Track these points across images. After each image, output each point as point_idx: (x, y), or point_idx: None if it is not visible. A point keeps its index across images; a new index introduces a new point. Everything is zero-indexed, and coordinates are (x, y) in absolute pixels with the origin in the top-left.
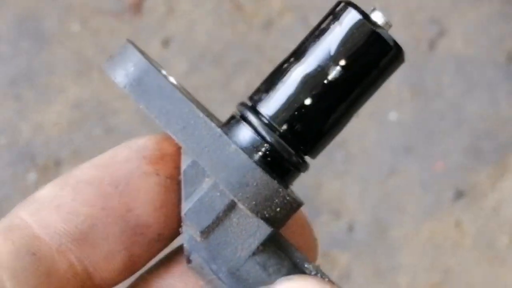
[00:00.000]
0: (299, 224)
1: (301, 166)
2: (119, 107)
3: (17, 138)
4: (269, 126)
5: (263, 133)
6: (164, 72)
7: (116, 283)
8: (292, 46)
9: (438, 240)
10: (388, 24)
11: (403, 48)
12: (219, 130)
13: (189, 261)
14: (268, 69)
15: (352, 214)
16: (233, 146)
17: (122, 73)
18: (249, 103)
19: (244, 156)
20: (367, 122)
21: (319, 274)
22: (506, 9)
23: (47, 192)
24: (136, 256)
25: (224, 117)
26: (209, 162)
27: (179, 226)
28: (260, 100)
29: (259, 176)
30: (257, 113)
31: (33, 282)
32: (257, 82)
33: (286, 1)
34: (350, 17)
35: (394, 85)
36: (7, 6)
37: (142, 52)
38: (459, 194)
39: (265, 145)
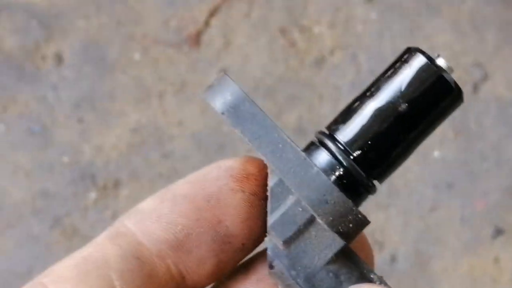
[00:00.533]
0: (361, 240)
1: (371, 189)
2: (175, 133)
3: (79, 159)
4: (345, 151)
5: (340, 157)
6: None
7: (204, 287)
8: (341, 82)
9: (477, 275)
10: (450, 69)
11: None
12: (303, 154)
13: (271, 266)
14: (318, 104)
15: (394, 246)
16: (316, 168)
17: (221, 101)
18: (327, 132)
19: (324, 177)
20: (412, 158)
21: (383, 283)
22: None
23: (148, 204)
24: (223, 262)
25: None
26: (294, 181)
27: (261, 237)
28: (337, 129)
29: (337, 195)
30: (334, 140)
31: (137, 282)
32: (307, 116)
33: (337, 40)
34: (418, 61)
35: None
36: (74, 33)
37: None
38: (499, 232)
39: (341, 168)
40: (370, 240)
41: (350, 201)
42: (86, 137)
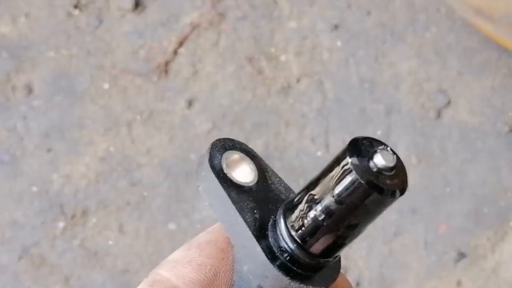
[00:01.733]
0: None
1: (323, 264)
2: (143, 162)
3: (48, 188)
4: (292, 237)
5: (288, 241)
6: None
7: None
8: (307, 110)
9: None
10: (387, 167)
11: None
12: (250, 233)
13: None
14: (284, 131)
15: (359, 271)
16: (258, 248)
17: (199, 179)
18: (283, 211)
19: (263, 257)
20: None
21: None
22: (508, 82)
23: (177, 254)
24: None
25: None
26: (243, 255)
27: None
28: (289, 215)
29: (274, 273)
30: (286, 223)
31: None
32: (274, 142)
33: (303, 68)
34: (347, 163)
35: (402, 150)
36: (44, 64)
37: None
38: (461, 255)
39: (288, 250)
40: None
41: (287, 278)
42: (55, 166)
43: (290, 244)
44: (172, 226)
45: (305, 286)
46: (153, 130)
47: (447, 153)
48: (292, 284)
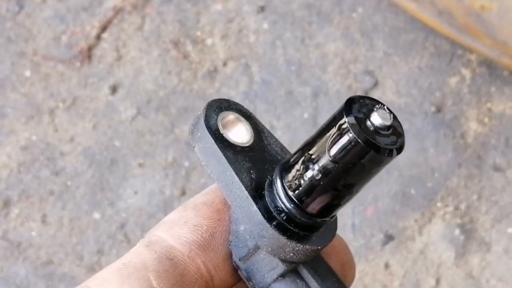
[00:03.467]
0: (340, 251)
1: (319, 223)
2: (66, 150)
3: None
4: (288, 197)
5: (285, 201)
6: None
7: (230, 286)
8: (234, 93)
9: (368, 282)
10: (384, 126)
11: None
12: (246, 193)
13: (238, 273)
14: None
15: None
16: (254, 208)
17: (195, 139)
18: (280, 170)
19: (260, 217)
20: None
21: None
22: (435, 62)
23: (173, 215)
24: None
25: (167, 161)
26: (240, 215)
27: None
28: (285, 174)
29: (271, 232)
30: (282, 182)
31: (172, 281)
32: None
33: (230, 51)
34: (345, 124)
35: None
36: None
37: (219, 108)
38: (389, 238)
39: (285, 209)
40: None
41: (283, 237)
42: None
43: (287, 204)
44: (96, 215)
45: (301, 246)
46: (76, 118)
47: None
48: (289, 243)
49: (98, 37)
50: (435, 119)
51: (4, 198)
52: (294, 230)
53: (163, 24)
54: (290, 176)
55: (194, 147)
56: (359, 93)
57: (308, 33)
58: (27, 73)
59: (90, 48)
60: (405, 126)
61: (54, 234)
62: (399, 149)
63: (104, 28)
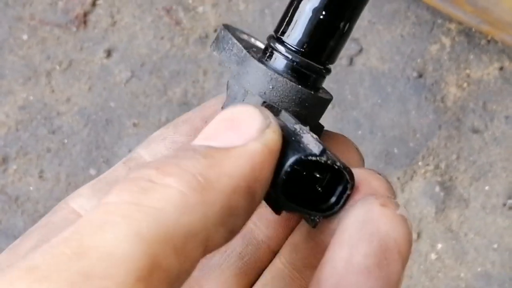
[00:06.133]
0: (344, 144)
1: (325, 72)
2: (63, 110)
3: None
4: (295, 50)
5: (291, 55)
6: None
7: None
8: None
9: None
10: None
11: None
12: (245, 51)
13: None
14: (202, 79)
15: None
16: (261, 65)
17: (219, 48)
18: (275, 36)
19: (262, 67)
20: None
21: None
22: (417, 31)
23: (157, 132)
24: None
25: (160, 121)
26: (242, 75)
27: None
28: (284, 32)
29: (281, 80)
30: (282, 42)
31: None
32: (192, 90)
33: (220, 18)
34: None
35: None
36: None
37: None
38: None
39: (294, 63)
40: None
41: (294, 84)
42: None
43: (297, 56)
44: (92, 171)
45: (311, 92)
46: (72, 80)
47: (359, 98)
48: (302, 90)
49: (94, 4)
50: (417, 84)
51: (2, 154)
52: (306, 72)
53: None
54: (288, 28)
55: (216, 52)
56: (344, 59)
57: None
58: (24, 36)
59: (85, 14)
60: (388, 90)
61: (51, 189)
62: None
63: None
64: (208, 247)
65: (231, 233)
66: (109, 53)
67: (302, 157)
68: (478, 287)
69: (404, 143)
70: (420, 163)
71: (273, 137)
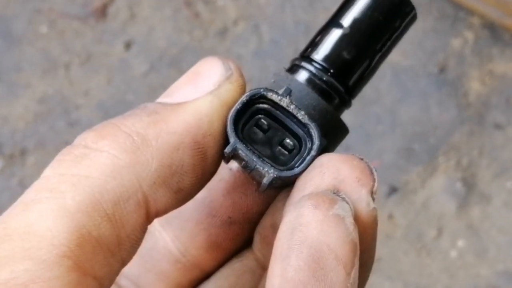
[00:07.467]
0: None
1: (347, 102)
2: (81, 103)
3: None
4: (323, 69)
5: (318, 73)
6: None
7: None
8: (244, 51)
9: None
10: None
11: None
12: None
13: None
14: None
15: None
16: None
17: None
18: (303, 55)
19: (304, 85)
20: None
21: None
22: (439, 26)
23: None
24: None
25: None
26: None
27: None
28: (313, 51)
29: (302, 88)
30: (311, 61)
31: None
32: None
33: (240, 11)
34: None
35: None
36: None
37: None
38: (392, 190)
39: (318, 82)
40: None
41: (324, 101)
42: None
43: (325, 75)
44: None
45: (332, 108)
46: (91, 72)
47: (380, 93)
48: (327, 107)
49: None
50: (439, 79)
51: (21, 147)
52: (334, 95)
53: None
54: (318, 48)
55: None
56: None
57: None
58: (44, 29)
59: (104, 6)
60: (409, 85)
61: None
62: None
63: None
64: (151, 210)
65: (178, 193)
66: (128, 46)
67: (262, 90)
68: (498, 284)
69: (425, 139)
70: (440, 159)
71: (229, 88)
